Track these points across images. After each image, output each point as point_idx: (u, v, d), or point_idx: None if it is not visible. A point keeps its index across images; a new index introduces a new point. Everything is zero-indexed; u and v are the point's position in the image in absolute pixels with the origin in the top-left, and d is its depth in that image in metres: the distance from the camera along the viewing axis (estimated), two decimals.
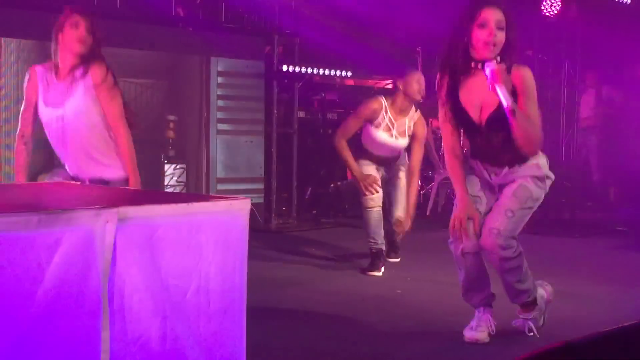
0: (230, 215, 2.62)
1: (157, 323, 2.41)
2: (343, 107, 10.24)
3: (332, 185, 9.57)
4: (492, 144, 4.02)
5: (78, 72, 4.22)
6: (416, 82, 5.89)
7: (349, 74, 9.33)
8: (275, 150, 8.45)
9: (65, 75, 4.24)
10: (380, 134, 5.99)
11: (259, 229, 7.76)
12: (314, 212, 9.16)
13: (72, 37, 4.19)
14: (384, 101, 5.99)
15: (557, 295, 4.92)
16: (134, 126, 4.37)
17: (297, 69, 8.50)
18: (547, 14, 9.89)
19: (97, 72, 4.21)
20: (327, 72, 8.92)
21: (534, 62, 9.71)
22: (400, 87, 5.94)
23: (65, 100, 4.23)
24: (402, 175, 6.14)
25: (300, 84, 8.78)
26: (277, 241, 7.38)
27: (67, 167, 4.37)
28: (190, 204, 2.55)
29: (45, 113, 4.27)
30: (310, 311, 4.69)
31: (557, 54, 10.69)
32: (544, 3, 9.82)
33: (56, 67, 4.26)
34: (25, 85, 4.33)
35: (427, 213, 9.27)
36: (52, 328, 2.15)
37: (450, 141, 4.12)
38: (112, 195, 3.26)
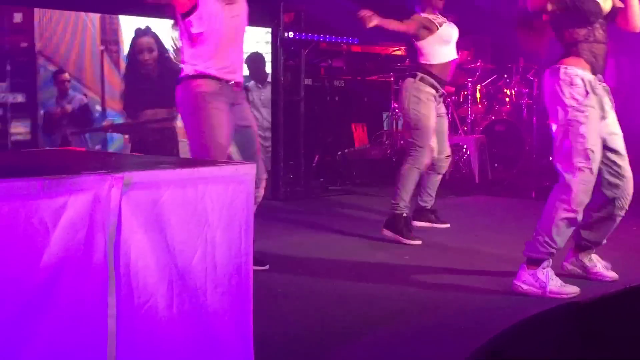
0: (236, 180, 2.60)
1: (163, 288, 2.40)
2: (350, 74, 10.21)
3: (339, 152, 9.57)
4: (607, 39, 4.28)
5: None
6: None
7: (356, 40, 9.27)
8: (282, 117, 8.41)
9: None
10: (446, 29, 5.94)
11: (266, 197, 7.75)
12: (322, 179, 9.16)
13: None
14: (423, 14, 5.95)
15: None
16: None
17: (304, 36, 8.44)
18: None
19: None
20: (333, 39, 8.86)
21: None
22: None
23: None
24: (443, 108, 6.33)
25: (307, 51, 8.73)
26: (285, 209, 7.38)
27: (223, 71, 4.64)
28: (195, 168, 2.53)
29: (218, 11, 4.56)
30: (318, 278, 4.69)
31: None
32: None
33: None
34: None
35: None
36: (57, 293, 2.15)
37: None
38: (117, 160, 3.26)
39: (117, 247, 2.28)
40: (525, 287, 4.23)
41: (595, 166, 4.17)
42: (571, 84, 4.19)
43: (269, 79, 8.81)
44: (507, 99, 10.35)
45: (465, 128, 9.89)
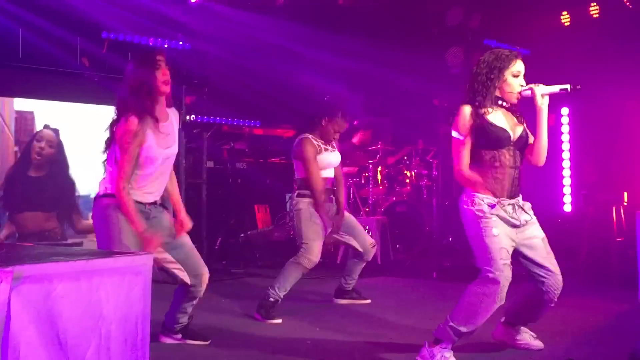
0: (133, 271, 2.55)
1: None
2: (252, 156, 10.26)
3: (242, 235, 9.52)
4: (516, 163, 4.44)
5: (171, 114, 4.79)
6: (336, 125, 6.34)
7: (258, 123, 9.36)
8: (184, 200, 8.34)
9: (166, 118, 4.67)
10: (326, 156, 6.31)
11: (167, 281, 7.61)
12: (224, 262, 9.07)
13: (162, 80, 4.61)
14: (312, 138, 6.28)
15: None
16: None
17: (206, 119, 8.47)
18: (451, 64, 10.19)
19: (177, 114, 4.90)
20: (235, 121, 8.92)
21: (440, 111, 9.90)
22: (323, 124, 6.31)
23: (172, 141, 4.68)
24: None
25: (209, 133, 8.74)
26: None
27: (151, 195, 4.61)
28: (89, 260, 2.47)
29: (150, 143, 4.49)
30: None
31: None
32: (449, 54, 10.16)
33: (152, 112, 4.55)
34: (129, 136, 4.42)
35: (338, 261, 9.25)
36: None
37: (467, 159, 4.43)
38: (8, 252, 3.15)
39: (5, 344, 2.19)
40: None
41: (506, 265, 4.33)
42: (473, 203, 4.39)
43: None
44: (408, 181, 10.55)
45: (367, 209, 10.00)
